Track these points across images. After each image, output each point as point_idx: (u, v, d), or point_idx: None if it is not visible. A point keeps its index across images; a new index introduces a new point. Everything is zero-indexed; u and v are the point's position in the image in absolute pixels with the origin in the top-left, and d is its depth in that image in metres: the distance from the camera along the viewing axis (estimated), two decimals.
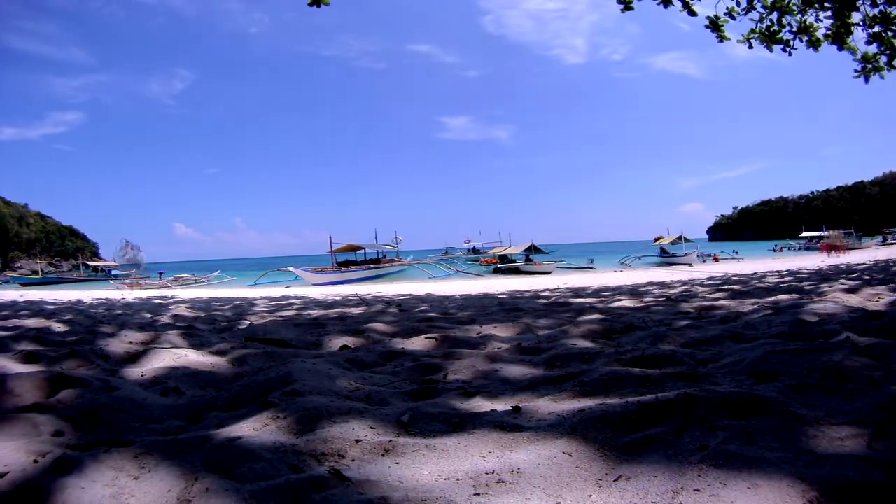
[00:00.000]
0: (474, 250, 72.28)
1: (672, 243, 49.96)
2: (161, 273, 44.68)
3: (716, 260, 44.92)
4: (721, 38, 7.78)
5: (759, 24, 7.79)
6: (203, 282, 42.91)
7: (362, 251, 47.92)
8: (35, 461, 1.31)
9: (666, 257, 47.49)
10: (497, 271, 43.04)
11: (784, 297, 5.34)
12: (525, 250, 46.38)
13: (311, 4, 6.74)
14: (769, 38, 7.79)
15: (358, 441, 1.54)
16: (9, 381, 2.09)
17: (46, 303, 12.05)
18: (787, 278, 9.66)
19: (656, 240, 54.84)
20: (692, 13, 7.67)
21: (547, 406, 1.86)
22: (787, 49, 7.87)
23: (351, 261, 46.20)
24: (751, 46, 7.88)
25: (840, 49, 7.57)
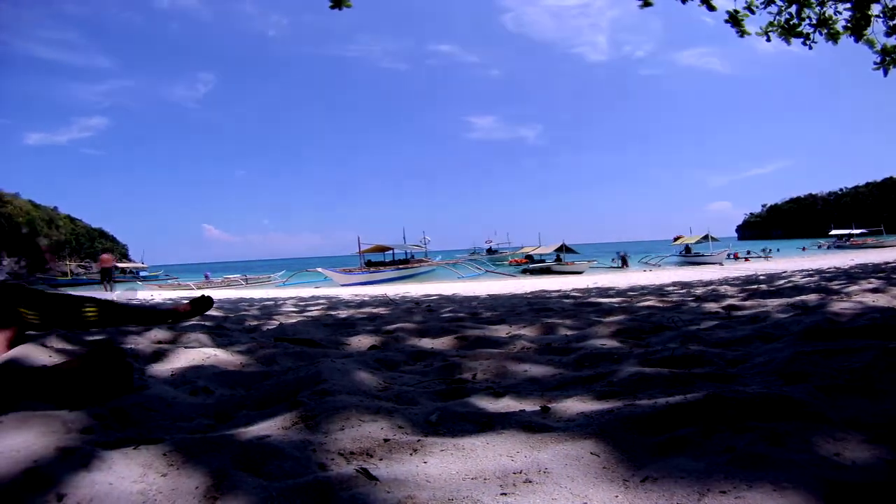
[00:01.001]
0: (490, 251, 72.09)
1: (696, 242, 49.47)
2: (207, 274, 44.67)
3: (744, 259, 44.53)
4: (742, 33, 7.69)
5: (777, 17, 7.70)
6: (267, 282, 42.90)
7: (391, 252, 48.05)
8: (64, 458, 1.31)
9: (689, 257, 46.94)
10: (527, 271, 42.91)
11: (813, 296, 5.26)
12: (556, 250, 46.24)
13: (332, 7, 6.75)
14: (788, 32, 7.69)
15: (386, 440, 1.54)
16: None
17: None
18: (815, 277, 9.54)
19: (676, 239, 54.31)
20: (711, 8, 7.59)
21: (575, 406, 1.85)
22: (807, 42, 7.76)
23: (379, 261, 46.33)
24: (769, 40, 7.78)
25: (857, 41, 7.46)
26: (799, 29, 7.67)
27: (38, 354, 2.67)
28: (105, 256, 29.79)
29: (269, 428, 1.67)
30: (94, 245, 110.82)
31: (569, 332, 3.91)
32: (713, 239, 48.76)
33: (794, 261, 31.50)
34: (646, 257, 51.26)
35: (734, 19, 7.63)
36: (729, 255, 45.80)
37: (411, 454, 1.46)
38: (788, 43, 7.80)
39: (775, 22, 7.71)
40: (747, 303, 5.00)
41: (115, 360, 2.12)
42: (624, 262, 44.95)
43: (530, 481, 1.27)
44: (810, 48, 7.82)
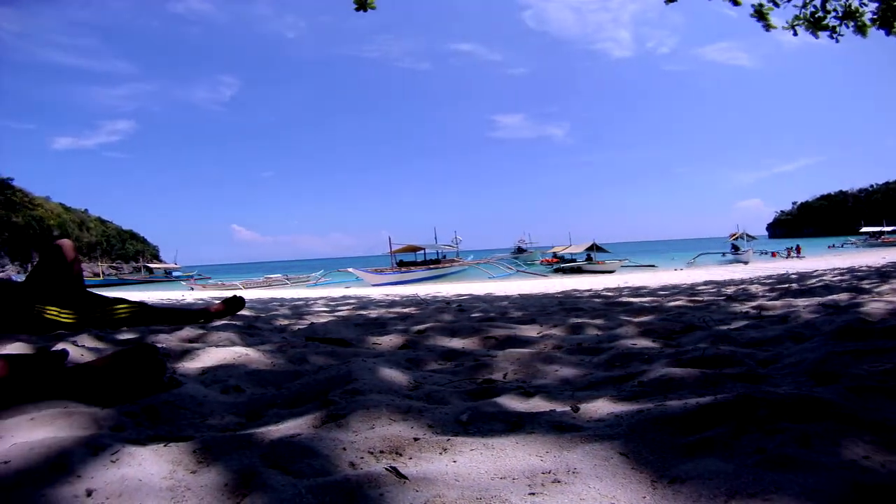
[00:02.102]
0: (520, 250, 71.95)
1: (735, 240, 49.19)
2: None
3: (787, 255, 44.19)
4: (767, 27, 7.61)
5: (803, 11, 7.60)
6: (302, 283, 43.25)
7: (422, 251, 48.16)
8: (94, 454, 1.33)
9: (736, 254, 46.59)
10: (559, 271, 42.82)
11: (844, 295, 5.19)
12: (587, 249, 46.12)
13: (357, 9, 6.78)
14: (815, 25, 7.59)
15: (416, 439, 1.54)
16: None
17: None
18: (847, 276, 9.40)
19: (732, 236, 53.77)
20: (735, 2, 7.52)
21: (605, 406, 1.84)
22: (834, 35, 7.65)
23: (410, 261, 46.46)
24: (796, 34, 7.68)
25: (888, 34, 7.34)
26: (825, 22, 7.57)
27: (71, 353, 2.71)
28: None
29: (299, 426, 1.67)
30: (125, 247, 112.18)
31: (599, 332, 3.90)
32: (749, 237, 48.43)
33: (826, 259, 31.09)
34: (698, 255, 50.68)
35: (760, 13, 7.56)
36: (764, 252, 45.48)
37: (441, 453, 1.46)
38: (816, 36, 7.70)
39: (801, 15, 7.62)
40: (778, 302, 4.93)
41: (146, 357, 2.15)
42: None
43: (559, 481, 1.26)
44: (837, 41, 7.72)
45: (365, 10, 6.83)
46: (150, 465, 1.32)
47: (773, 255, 46.84)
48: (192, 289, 39.54)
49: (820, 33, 7.53)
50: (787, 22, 7.57)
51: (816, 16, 7.45)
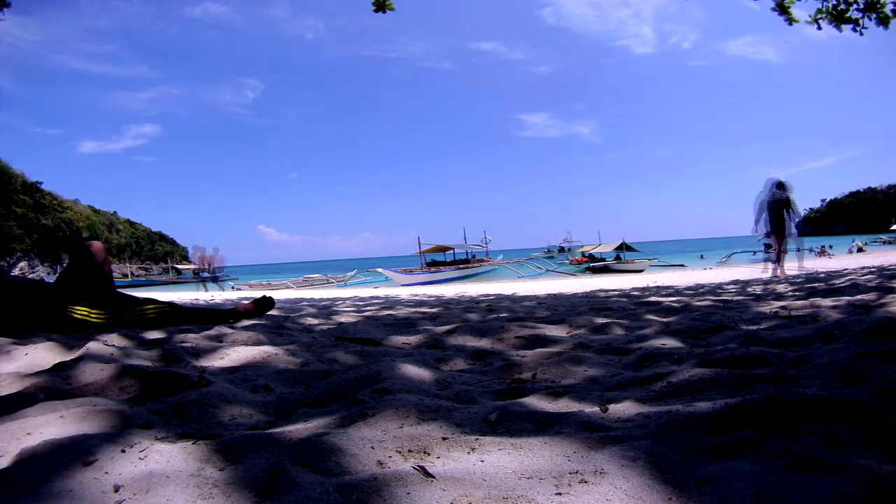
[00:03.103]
0: (562, 249, 71.91)
1: (764, 236, 48.69)
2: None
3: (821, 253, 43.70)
4: (790, 21, 7.52)
5: (825, 3, 7.49)
6: (340, 281, 43.62)
7: (451, 251, 48.24)
8: (122, 451, 1.35)
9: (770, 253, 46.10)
10: (588, 270, 42.72)
11: (874, 295, 5.11)
12: (616, 248, 45.95)
13: (376, 10, 6.80)
14: (837, 18, 7.47)
15: (444, 439, 1.54)
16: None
17: None
18: (877, 275, 9.27)
19: (767, 234, 53.08)
20: None
21: (634, 407, 1.82)
22: (858, 28, 7.53)
23: (440, 261, 46.60)
24: (819, 27, 7.57)
25: None
26: (848, 14, 7.46)
27: (102, 352, 2.75)
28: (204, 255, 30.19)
29: (327, 425, 1.68)
30: (155, 248, 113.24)
31: (628, 332, 3.87)
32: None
33: (856, 258, 30.62)
34: (732, 253, 50.08)
35: (782, 7, 7.47)
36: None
37: (469, 452, 1.45)
38: (840, 29, 7.60)
39: (823, 8, 7.52)
40: (808, 301, 4.87)
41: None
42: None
43: (586, 482, 1.26)
44: (861, 34, 7.61)
45: (384, 12, 6.86)
46: (177, 463, 1.33)
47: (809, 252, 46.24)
48: (239, 288, 39.94)
49: (843, 26, 7.43)
50: (809, 16, 7.47)
51: (839, 8, 7.35)
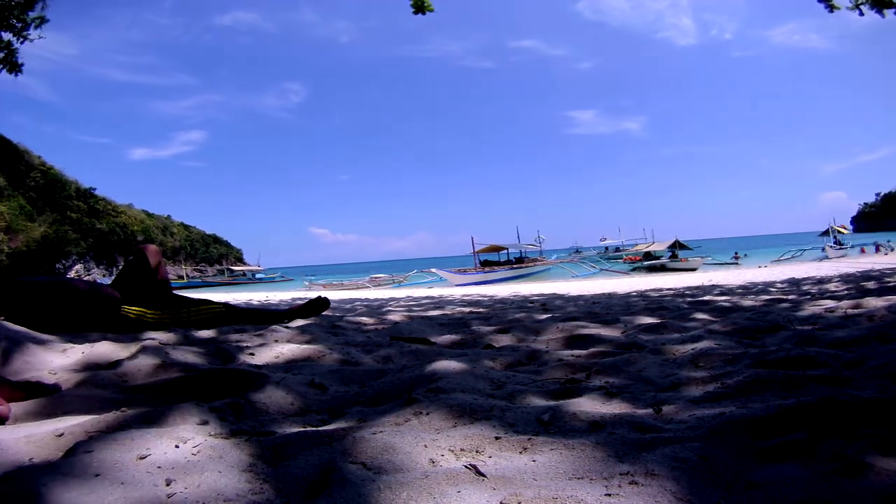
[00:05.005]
0: (608, 249, 71.29)
1: (821, 234, 47.70)
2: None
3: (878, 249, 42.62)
4: (831, 8, 7.33)
5: None
6: (401, 281, 44.24)
7: (505, 251, 48.29)
8: (176, 446, 1.37)
9: (840, 249, 45.05)
10: (642, 269, 42.38)
11: None
12: (669, 246, 45.48)
13: (416, 12, 6.80)
14: (880, 2, 7.25)
15: (497, 438, 1.53)
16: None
17: None
18: None
19: (839, 229, 51.90)
20: None
21: (687, 408, 1.80)
22: None
23: (493, 261, 46.69)
24: (861, 13, 7.36)
25: None
26: None
27: (157, 350, 2.81)
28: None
29: (381, 423, 1.69)
30: (209, 250, 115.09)
31: (683, 332, 3.82)
32: (839, 231, 46.96)
33: None
34: (788, 252, 49.15)
35: None
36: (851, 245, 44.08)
37: (521, 452, 1.45)
38: (882, 15, 7.39)
39: None
40: (863, 300, 4.74)
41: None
42: None
43: (636, 483, 1.25)
44: None
45: (423, 13, 6.86)
46: (230, 458, 1.35)
47: (862, 250, 45.05)
48: (311, 288, 40.74)
49: (886, 11, 7.22)
50: (850, 1, 7.27)
51: None
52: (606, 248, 71.41)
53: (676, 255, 44.13)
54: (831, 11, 7.34)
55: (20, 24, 12.97)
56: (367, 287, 37.68)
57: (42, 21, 13.72)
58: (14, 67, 13.30)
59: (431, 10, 6.81)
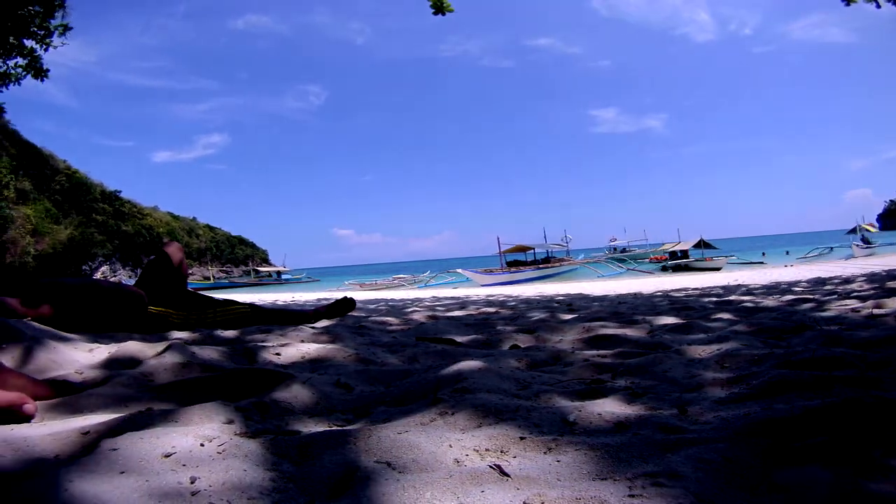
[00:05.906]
0: (614, 249, 70.66)
1: (848, 232, 47.14)
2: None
3: None
4: (847, 1, 7.22)
5: None
6: (429, 281, 44.60)
7: (531, 251, 48.27)
8: (201, 444, 1.38)
9: (869, 247, 44.47)
10: (667, 268, 42.21)
11: None
12: (694, 246, 45.27)
13: (435, 13, 6.80)
14: None
15: (522, 438, 1.53)
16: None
17: None
18: None
19: (867, 226, 51.26)
20: None
21: (712, 409, 1.79)
22: None
23: (520, 261, 46.72)
24: (879, 5, 7.26)
25: None
26: None
27: (183, 350, 2.84)
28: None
29: (406, 423, 1.69)
30: (235, 251, 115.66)
31: (708, 332, 3.80)
32: (868, 230, 46.43)
33: None
34: (814, 250, 48.63)
35: None
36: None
37: (545, 453, 1.45)
38: None
39: None
40: (890, 300, 4.71)
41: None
42: None
43: (660, 484, 1.25)
44: None
45: (443, 14, 6.86)
46: (255, 457, 1.36)
47: None
48: (349, 287, 41.17)
49: None
50: None
51: None
52: (615, 249, 70.68)
53: (703, 254, 43.94)
54: (848, 5, 7.25)
55: (42, 32, 13.15)
56: (400, 286, 37.86)
57: (66, 28, 13.89)
58: (39, 73, 13.51)
59: (451, 11, 6.81)
